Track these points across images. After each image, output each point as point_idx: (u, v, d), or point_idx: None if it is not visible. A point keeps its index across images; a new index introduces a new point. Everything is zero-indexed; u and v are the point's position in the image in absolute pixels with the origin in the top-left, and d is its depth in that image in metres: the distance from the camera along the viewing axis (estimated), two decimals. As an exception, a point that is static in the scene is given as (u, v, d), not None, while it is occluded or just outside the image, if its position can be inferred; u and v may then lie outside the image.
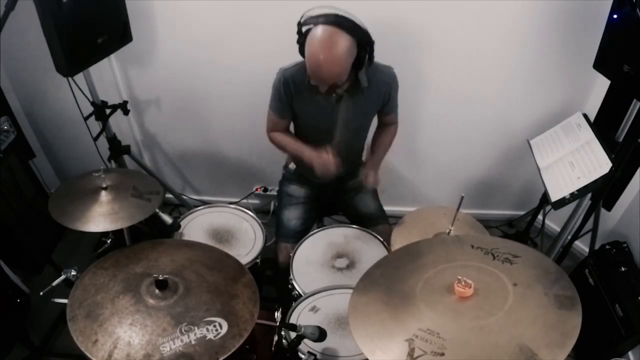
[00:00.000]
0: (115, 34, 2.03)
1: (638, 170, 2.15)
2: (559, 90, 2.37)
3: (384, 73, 1.82)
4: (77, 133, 2.46)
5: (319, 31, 1.53)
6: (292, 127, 2.03)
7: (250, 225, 1.99)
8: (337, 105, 1.79)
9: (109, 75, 2.43)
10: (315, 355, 1.40)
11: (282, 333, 1.50)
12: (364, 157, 2.15)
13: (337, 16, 1.53)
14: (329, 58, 1.52)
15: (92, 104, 2.23)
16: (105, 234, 1.78)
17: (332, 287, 1.67)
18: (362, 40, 1.58)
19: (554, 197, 1.91)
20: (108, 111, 2.30)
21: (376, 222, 1.98)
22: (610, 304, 1.94)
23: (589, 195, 1.98)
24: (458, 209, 1.50)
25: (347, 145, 1.96)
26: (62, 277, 1.42)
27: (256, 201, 2.98)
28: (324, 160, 1.76)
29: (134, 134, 2.71)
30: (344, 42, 1.52)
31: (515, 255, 1.13)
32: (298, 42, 1.64)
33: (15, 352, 2.07)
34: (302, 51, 1.63)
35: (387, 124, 2.05)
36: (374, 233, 1.92)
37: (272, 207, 2.86)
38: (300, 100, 1.82)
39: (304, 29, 1.60)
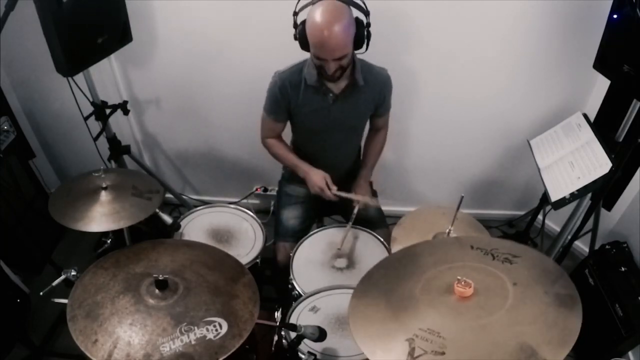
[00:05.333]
0: (115, 34, 2.03)
1: (638, 170, 2.15)
2: (559, 90, 2.37)
3: (379, 74, 1.84)
4: (77, 133, 2.46)
5: (318, 6, 1.55)
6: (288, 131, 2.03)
7: (250, 225, 1.99)
8: (334, 106, 1.82)
9: (109, 75, 2.43)
10: (315, 355, 1.40)
11: (282, 333, 1.50)
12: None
13: None
14: (331, 28, 1.52)
15: (92, 104, 2.23)
16: (105, 234, 1.78)
17: (332, 287, 1.66)
18: (359, 19, 1.62)
19: (554, 197, 1.91)
20: (108, 111, 2.30)
21: (375, 226, 1.98)
22: (610, 304, 1.94)
23: (589, 195, 1.98)
24: (458, 209, 1.50)
25: (343, 146, 1.97)
26: (62, 277, 1.42)
27: (256, 201, 2.98)
28: (319, 184, 1.82)
29: (134, 134, 2.71)
30: (344, 11, 1.55)
31: (515, 256, 1.13)
32: (296, 33, 1.65)
33: (15, 352, 2.07)
34: (302, 43, 1.64)
35: (378, 129, 2.05)
36: (374, 233, 1.92)
37: (272, 207, 2.86)
38: (297, 102, 1.82)
39: (299, 19, 1.62)
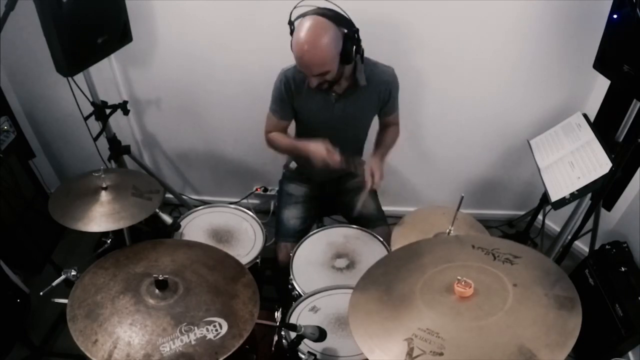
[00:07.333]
0: (115, 34, 2.03)
1: (638, 170, 2.15)
2: (559, 90, 2.37)
3: (383, 72, 1.84)
4: (77, 133, 2.46)
5: (303, 21, 1.57)
6: (292, 130, 2.03)
7: (250, 225, 1.99)
8: (336, 104, 1.83)
9: (109, 75, 2.43)
10: (315, 355, 1.40)
11: (282, 333, 1.50)
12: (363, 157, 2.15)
13: (319, 7, 1.58)
14: (312, 45, 1.55)
15: (92, 104, 2.23)
16: (105, 234, 1.78)
17: (332, 287, 1.66)
18: (349, 33, 1.60)
19: (554, 197, 1.91)
20: (108, 111, 2.30)
21: (375, 223, 1.98)
22: (610, 304, 1.94)
23: (589, 195, 1.98)
24: (458, 209, 1.50)
25: (347, 144, 1.97)
26: (62, 277, 1.42)
27: (256, 201, 2.98)
28: (320, 153, 1.74)
29: (134, 134, 2.71)
30: (326, 29, 1.55)
31: (516, 256, 1.13)
32: (291, 42, 1.64)
33: (15, 352, 2.07)
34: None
35: (388, 125, 2.05)
36: (374, 233, 1.92)
37: (272, 207, 2.86)
38: (300, 100, 1.84)
39: (294, 27, 1.62)
